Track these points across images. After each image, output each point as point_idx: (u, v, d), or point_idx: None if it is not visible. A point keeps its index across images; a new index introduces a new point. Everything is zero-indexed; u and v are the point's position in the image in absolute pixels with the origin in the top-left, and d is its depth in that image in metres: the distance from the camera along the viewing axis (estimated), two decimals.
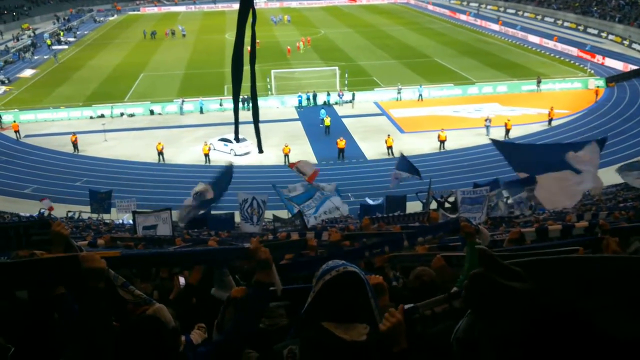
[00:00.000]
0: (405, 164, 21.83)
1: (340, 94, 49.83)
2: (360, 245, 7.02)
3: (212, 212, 21.04)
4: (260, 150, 5.32)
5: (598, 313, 1.76)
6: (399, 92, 50.06)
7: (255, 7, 4.27)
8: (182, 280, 5.32)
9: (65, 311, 3.46)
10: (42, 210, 27.60)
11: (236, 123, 5.04)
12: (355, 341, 2.86)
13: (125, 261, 4.16)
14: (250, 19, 4.30)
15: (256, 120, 4.90)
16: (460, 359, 2.30)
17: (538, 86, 50.91)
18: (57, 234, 3.82)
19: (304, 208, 17.50)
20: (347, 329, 2.90)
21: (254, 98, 4.78)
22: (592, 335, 1.71)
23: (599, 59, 59.56)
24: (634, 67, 54.67)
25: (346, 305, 2.96)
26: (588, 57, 59.65)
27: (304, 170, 19.28)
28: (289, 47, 67.52)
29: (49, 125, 45.98)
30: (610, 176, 21.52)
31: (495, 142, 13.24)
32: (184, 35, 79.99)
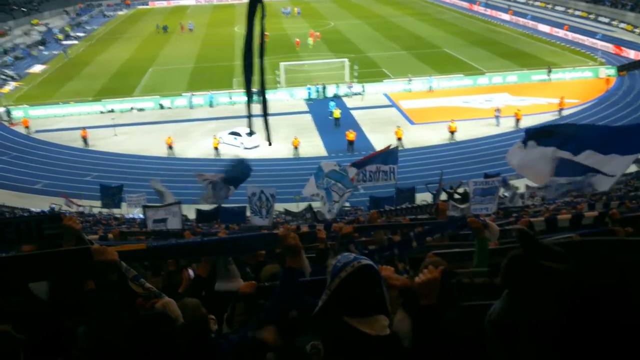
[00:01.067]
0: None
1: (350, 85, 49.69)
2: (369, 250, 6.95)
3: (224, 205, 21.07)
4: (270, 143, 5.30)
5: (637, 295, 1.72)
6: (409, 83, 49.86)
7: None
8: (191, 272, 5.29)
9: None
10: (52, 206, 27.73)
11: (249, 115, 5.01)
12: (380, 336, 2.87)
13: (153, 253, 4.15)
14: (259, 12, 4.26)
15: (265, 113, 4.88)
16: (493, 340, 2.24)
17: (549, 75, 50.54)
18: (69, 228, 3.83)
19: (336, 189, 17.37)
20: (370, 323, 2.90)
21: (262, 90, 4.75)
22: (632, 319, 1.66)
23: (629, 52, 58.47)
24: None
25: (366, 300, 2.95)
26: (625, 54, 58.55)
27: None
28: (297, 40, 67.38)
29: (59, 120, 46.16)
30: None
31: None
32: (190, 30, 79.89)
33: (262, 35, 4.37)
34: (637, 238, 1.92)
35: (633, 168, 25.48)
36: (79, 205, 28.28)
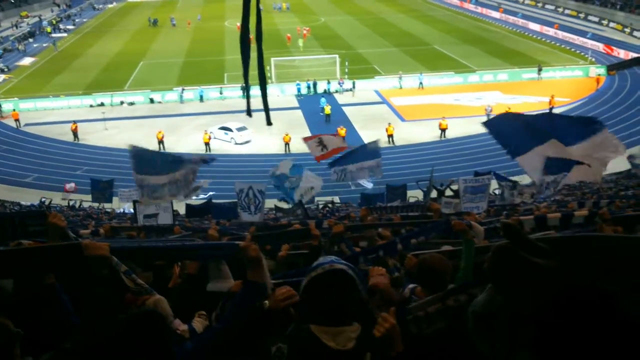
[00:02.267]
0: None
1: (341, 82, 49.69)
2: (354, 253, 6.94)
3: (214, 200, 21.09)
4: (269, 123, 5.25)
5: (620, 295, 1.75)
6: (400, 80, 49.93)
7: None
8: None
9: (55, 301, 3.45)
10: (43, 199, 27.59)
11: (248, 100, 4.99)
12: (341, 350, 2.78)
13: (116, 254, 4.14)
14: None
15: (264, 94, 4.85)
16: (475, 333, 2.27)
17: (539, 74, 50.74)
18: (53, 225, 3.81)
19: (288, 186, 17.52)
20: (335, 334, 2.81)
21: (260, 71, 4.71)
22: (612, 317, 1.69)
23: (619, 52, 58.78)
24: (635, 55, 54.39)
25: (333, 306, 2.87)
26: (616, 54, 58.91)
27: (328, 144, 19.32)
28: (288, 35, 67.28)
29: (49, 113, 45.90)
30: (610, 164, 21.45)
31: (486, 125, 12.22)
32: (173, 25, 79.26)
33: (258, 16, 4.36)
34: (621, 235, 1.96)
35: (624, 166, 25.64)
36: (73, 192, 28.14)
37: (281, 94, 48.79)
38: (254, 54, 4.56)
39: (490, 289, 2.16)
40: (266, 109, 5.15)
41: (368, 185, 22.06)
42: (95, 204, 27.28)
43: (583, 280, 1.79)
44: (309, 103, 46.46)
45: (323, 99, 44.38)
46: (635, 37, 64.68)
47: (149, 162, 13.24)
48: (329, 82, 49.62)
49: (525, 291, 1.80)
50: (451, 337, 2.82)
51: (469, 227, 5.24)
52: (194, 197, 20.55)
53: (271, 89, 48.40)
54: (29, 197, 29.40)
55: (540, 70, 50.84)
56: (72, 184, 28.78)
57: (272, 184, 18.69)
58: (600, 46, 59.30)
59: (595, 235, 1.81)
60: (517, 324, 1.84)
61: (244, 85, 4.68)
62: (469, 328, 2.28)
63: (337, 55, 53.57)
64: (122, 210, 25.81)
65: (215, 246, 4.55)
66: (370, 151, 19.67)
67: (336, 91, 49.23)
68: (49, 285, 3.46)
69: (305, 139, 21.49)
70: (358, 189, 24.49)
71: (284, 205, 23.31)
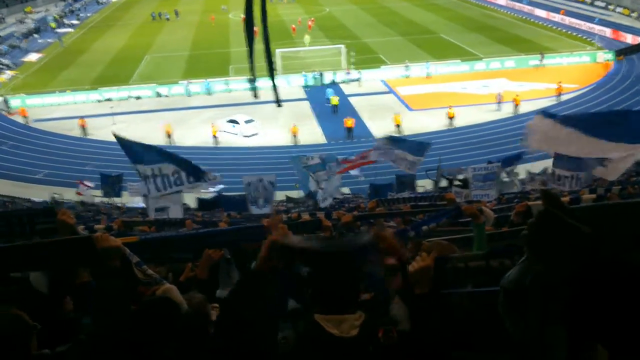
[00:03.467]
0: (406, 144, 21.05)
1: (348, 72, 49.56)
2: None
3: (225, 193, 21.11)
4: (279, 104, 5.22)
5: None
6: (407, 69, 49.78)
7: None
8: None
9: (87, 299, 3.47)
10: (54, 195, 27.71)
11: (252, 67, 4.90)
12: (344, 337, 2.79)
13: (143, 247, 4.14)
14: None
15: (272, 75, 4.77)
16: (505, 308, 2.26)
17: (541, 61, 50.44)
18: (63, 223, 3.82)
19: (318, 177, 17.48)
20: (338, 322, 2.82)
21: (267, 52, 4.63)
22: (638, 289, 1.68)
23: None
24: None
25: (335, 293, 2.88)
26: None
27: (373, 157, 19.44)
28: (293, 26, 67.15)
29: (56, 109, 46.03)
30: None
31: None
32: (167, 19, 79.10)
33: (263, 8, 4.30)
34: None
35: None
36: (89, 187, 28.20)
37: (287, 85, 48.67)
38: (259, 46, 4.50)
39: (521, 264, 2.15)
40: (275, 91, 5.10)
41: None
42: (105, 199, 27.37)
43: (614, 250, 1.78)
44: (315, 94, 46.39)
45: (329, 90, 44.32)
46: None
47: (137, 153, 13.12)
48: (335, 73, 49.47)
49: (564, 256, 1.79)
50: (483, 300, 2.80)
51: (479, 211, 5.23)
52: (202, 190, 20.67)
53: (277, 81, 48.16)
54: (39, 194, 29.51)
55: (542, 57, 50.52)
56: (85, 185, 28.81)
57: (295, 169, 18.61)
58: (607, 31, 58.84)
59: (632, 201, 1.80)
60: (549, 298, 1.83)
61: (250, 77, 4.52)
62: (498, 303, 2.27)
63: (342, 46, 53.41)
64: (132, 205, 25.88)
65: (242, 230, 4.53)
66: (417, 147, 19.90)
67: (343, 81, 49.10)
68: (84, 283, 3.48)
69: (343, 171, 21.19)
70: (367, 179, 24.46)
71: (295, 196, 23.33)
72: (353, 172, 21.45)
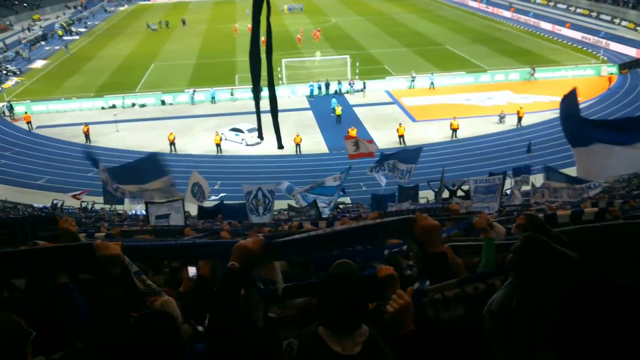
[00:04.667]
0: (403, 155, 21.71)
1: (352, 82, 49.63)
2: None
3: (226, 201, 21.13)
4: (280, 146, 5.10)
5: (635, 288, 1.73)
6: (412, 80, 49.85)
7: None
8: (192, 270, 5.19)
9: (69, 301, 3.46)
10: (55, 201, 27.74)
11: (258, 118, 4.86)
12: (345, 355, 2.74)
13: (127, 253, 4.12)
14: (265, 10, 4.23)
15: (275, 115, 4.69)
16: (492, 333, 2.24)
17: (532, 75, 50.21)
18: (65, 230, 3.82)
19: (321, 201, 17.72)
20: (341, 339, 2.77)
21: (271, 91, 4.60)
22: (632, 313, 1.67)
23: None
24: None
25: (341, 311, 2.82)
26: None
27: (360, 146, 19.81)
28: (299, 36, 67.36)
29: (61, 116, 46.23)
30: None
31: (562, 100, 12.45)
32: (154, 30, 79.26)
33: (269, 33, 4.32)
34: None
35: None
36: (83, 201, 28.29)
37: (292, 94, 48.81)
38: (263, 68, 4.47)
39: (507, 287, 2.14)
40: (277, 131, 4.99)
41: (382, 181, 22.78)
42: (107, 206, 27.39)
43: (602, 273, 1.77)
44: (319, 104, 46.48)
45: (334, 100, 44.38)
46: None
47: (121, 176, 13.63)
48: (340, 83, 49.58)
49: (550, 282, 1.78)
50: (466, 325, 2.80)
51: (490, 226, 5.23)
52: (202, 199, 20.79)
53: (282, 90, 48.50)
54: (40, 200, 29.58)
55: (533, 71, 50.35)
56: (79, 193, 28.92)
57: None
58: (612, 45, 58.88)
59: (618, 223, 1.77)
60: (537, 321, 1.82)
61: (253, 94, 4.38)
62: (485, 328, 2.25)
63: (348, 56, 53.54)
64: (134, 212, 25.91)
65: (226, 244, 4.46)
66: (410, 156, 20.25)
67: (347, 92, 49.17)
68: (62, 285, 3.47)
69: (346, 137, 22.35)
70: (369, 189, 24.51)
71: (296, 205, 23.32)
72: (377, 177, 22.30)
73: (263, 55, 4.49)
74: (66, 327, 3.35)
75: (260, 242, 3.11)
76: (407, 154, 20.96)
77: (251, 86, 4.33)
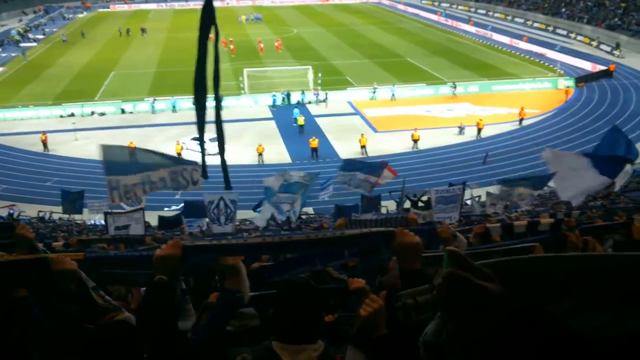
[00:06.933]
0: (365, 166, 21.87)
1: (316, 93, 49.74)
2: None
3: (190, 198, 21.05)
4: (228, 187, 4.66)
5: (568, 316, 1.76)
6: (374, 92, 50.19)
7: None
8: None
9: (26, 313, 3.38)
10: (11, 211, 27.13)
11: (203, 157, 4.37)
12: None
13: (89, 264, 4.02)
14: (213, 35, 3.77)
15: (222, 155, 4.17)
16: None
17: (453, 90, 50.29)
18: (22, 237, 3.75)
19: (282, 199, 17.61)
20: (295, 352, 2.75)
21: (219, 128, 3.98)
22: (562, 340, 1.70)
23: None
24: (602, 68, 55.49)
25: (293, 323, 2.81)
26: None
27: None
28: (261, 46, 67.32)
29: (18, 124, 45.22)
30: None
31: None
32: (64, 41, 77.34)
33: (216, 69, 3.71)
34: (563, 255, 1.94)
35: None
36: (40, 211, 27.75)
37: (254, 104, 48.71)
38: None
39: (438, 318, 2.16)
40: (225, 174, 4.52)
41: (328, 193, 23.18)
42: (65, 216, 26.90)
43: (529, 303, 1.80)
44: (282, 114, 46.46)
45: (296, 110, 44.40)
46: (602, 49, 65.98)
47: (120, 163, 13.08)
48: (303, 93, 49.66)
49: (475, 317, 1.80)
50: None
51: (454, 237, 5.27)
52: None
53: (244, 100, 48.32)
54: None
55: (454, 87, 50.48)
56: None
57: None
58: (568, 58, 60.34)
59: (539, 256, 1.80)
60: (468, 351, 1.83)
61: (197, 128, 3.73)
62: (420, 357, 2.26)
63: (310, 67, 53.69)
64: (92, 222, 25.48)
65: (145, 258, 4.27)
66: (376, 168, 20.43)
67: (309, 102, 49.26)
68: (20, 297, 3.39)
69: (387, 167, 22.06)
70: (332, 199, 24.56)
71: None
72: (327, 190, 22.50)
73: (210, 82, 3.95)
74: (22, 340, 3.28)
75: (177, 244, 3.12)
76: (376, 168, 21.11)
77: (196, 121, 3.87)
